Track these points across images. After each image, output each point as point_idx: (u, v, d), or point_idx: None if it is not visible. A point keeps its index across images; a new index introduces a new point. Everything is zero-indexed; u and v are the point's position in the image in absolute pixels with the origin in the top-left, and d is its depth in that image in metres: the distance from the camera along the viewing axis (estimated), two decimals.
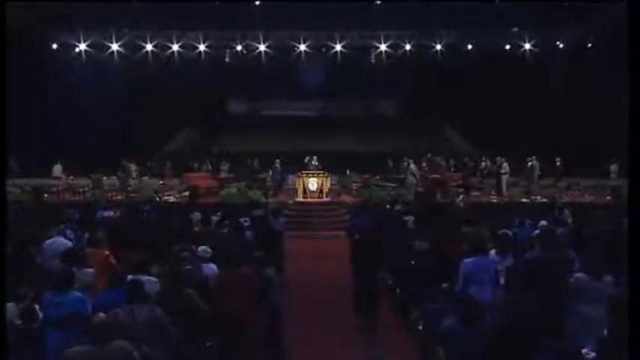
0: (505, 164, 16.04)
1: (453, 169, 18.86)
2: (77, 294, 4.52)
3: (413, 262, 6.63)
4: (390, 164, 19.78)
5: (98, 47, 21.32)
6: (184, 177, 18.10)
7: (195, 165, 20.58)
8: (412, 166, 16.44)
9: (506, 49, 21.58)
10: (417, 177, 15.88)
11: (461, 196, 13.26)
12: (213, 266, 5.79)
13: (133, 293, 4.21)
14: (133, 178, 17.75)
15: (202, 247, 5.95)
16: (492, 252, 5.60)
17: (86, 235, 6.97)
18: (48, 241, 6.54)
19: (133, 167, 18.14)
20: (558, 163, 17.42)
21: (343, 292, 7.53)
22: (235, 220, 8.83)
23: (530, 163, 16.22)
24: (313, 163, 16.73)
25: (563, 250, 5.39)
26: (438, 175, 16.27)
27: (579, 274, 4.61)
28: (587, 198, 15.57)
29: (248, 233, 7.98)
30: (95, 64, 21.22)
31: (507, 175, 16.11)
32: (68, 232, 7.33)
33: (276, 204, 13.54)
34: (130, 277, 4.69)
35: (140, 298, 4.17)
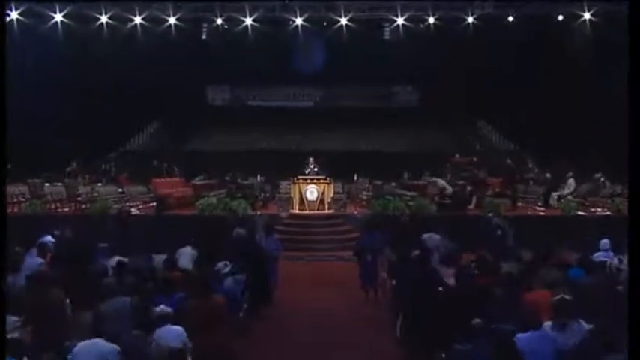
0: (571, 180, 15.76)
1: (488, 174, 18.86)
2: None
3: (438, 291, 6.63)
4: (408, 168, 19.78)
5: (36, 16, 20.88)
6: (151, 184, 18.11)
7: (164, 168, 20.59)
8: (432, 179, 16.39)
9: (559, 21, 21.58)
10: (443, 183, 15.86)
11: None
12: (178, 329, 4.94)
13: None
14: (84, 185, 17.76)
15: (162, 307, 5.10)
16: (547, 324, 5.19)
17: (23, 263, 6.87)
18: None
19: (84, 171, 18.15)
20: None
21: (352, 328, 7.52)
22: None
23: (596, 176, 16.08)
24: (311, 166, 16.35)
25: None
26: (469, 181, 16.27)
27: None
28: None
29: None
30: (32, 39, 20.48)
31: (572, 185, 15.72)
32: None
33: (265, 217, 13.56)
34: None
35: None
